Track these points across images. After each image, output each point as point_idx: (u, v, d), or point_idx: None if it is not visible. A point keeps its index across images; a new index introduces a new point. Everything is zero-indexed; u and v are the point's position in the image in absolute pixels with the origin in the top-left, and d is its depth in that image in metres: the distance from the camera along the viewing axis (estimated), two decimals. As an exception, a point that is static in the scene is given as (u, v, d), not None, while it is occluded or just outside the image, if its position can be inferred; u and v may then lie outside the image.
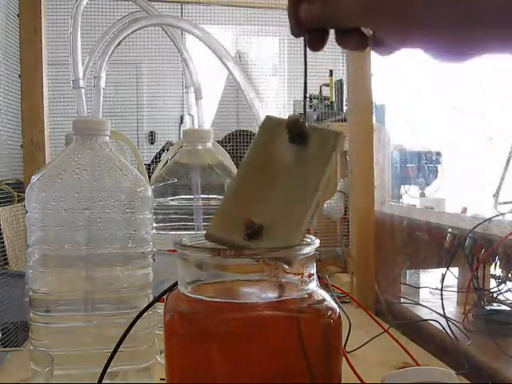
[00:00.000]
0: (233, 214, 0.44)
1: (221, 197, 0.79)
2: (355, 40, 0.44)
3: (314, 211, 0.42)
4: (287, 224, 0.42)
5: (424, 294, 1.13)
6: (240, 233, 0.43)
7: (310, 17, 0.44)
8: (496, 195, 1.09)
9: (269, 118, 0.48)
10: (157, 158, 2.24)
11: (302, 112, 0.48)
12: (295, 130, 0.45)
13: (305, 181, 0.43)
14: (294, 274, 0.44)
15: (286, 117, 0.46)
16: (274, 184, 0.45)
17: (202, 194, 0.80)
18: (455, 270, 1.02)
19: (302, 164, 0.45)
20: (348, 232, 1.24)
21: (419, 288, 1.16)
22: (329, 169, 0.44)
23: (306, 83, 0.49)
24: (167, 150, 1.93)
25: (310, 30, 0.46)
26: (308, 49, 0.47)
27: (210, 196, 0.80)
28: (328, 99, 2.15)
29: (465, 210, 1.16)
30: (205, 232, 0.45)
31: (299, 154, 0.45)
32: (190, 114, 0.87)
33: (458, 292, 1.03)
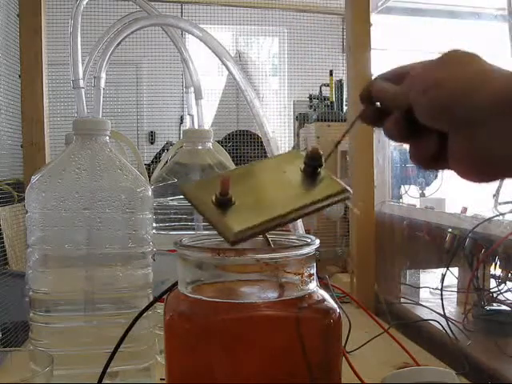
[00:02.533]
0: (216, 182, 0.43)
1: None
2: (430, 145, 0.41)
3: (271, 225, 0.42)
4: (241, 217, 0.41)
5: (424, 294, 1.13)
6: (211, 195, 0.42)
7: (383, 94, 0.43)
8: (496, 195, 1.09)
9: (294, 151, 0.50)
10: (157, 158, 2.24)
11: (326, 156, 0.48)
12: (313, 162, 0.45)
13: (290, 197, 0.44)
14: (294, 273, 0.44)
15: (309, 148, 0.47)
16: (265, 185, 0.46)
17: (202, 193, 0.80)
18: (455, 270, 1.01)
19: (299, 187, 0.45)
20: (348, 232, 1.24)
21: (419, 288, 1.16)
22: (317, 205, 0.43)
23: (338, 142, 0.50)
24: (167, 150, 1.93)
25: (371, 103, 0.45)
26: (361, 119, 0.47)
27: (210, 196, 0.80)
28: (328, 99, 2.15)
29: (465, 209, 1.16)
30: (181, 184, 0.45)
31: (303, 181, 0.45)
32: (190, 114, 0.87)
33: (458, 292, 1.03)
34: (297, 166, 0.46)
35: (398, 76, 0.43)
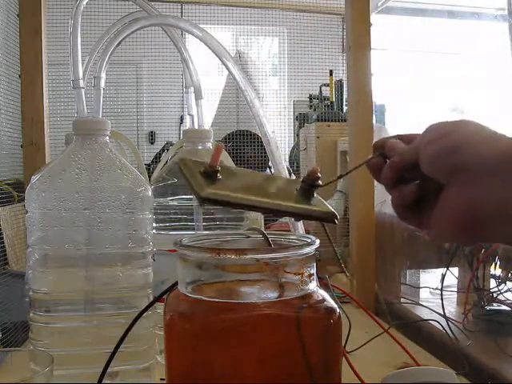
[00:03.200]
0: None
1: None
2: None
3: (245, 203, 0.43)
4: (220, 187, 0.43)
5: (424, 294, 1.13)
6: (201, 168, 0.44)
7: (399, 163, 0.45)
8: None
9: (296, 179, 0.52)
10: (157, 158, 2.24)
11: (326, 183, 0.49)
12: (311, 181, 0.46)
13: (276, 195, 0.46)
14: (294, 273, 0.44)
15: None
16: (256, 180, 0.48)
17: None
18: (455, 270, 1.02)
19: (289, 193, 0.47)
20: (348, 232, 1.24)
21: (419, 288, 1.16)
22: (300, 212, 0.45)
23: (340, 176, 0.52)
24: (167, 150, 1.93)
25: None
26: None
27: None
28: (328, 99, 2.15)
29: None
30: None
31: (296, 193, 0.47)
32: (190, 114, 0.87)
33: (458, 292, 1.03)
34: (294, 186, 0.48)
35: (411, 139, 0.45)
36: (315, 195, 0.47)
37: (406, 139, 0.46)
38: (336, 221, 0.45)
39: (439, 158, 0.40)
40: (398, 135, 0.48)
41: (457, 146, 0.39)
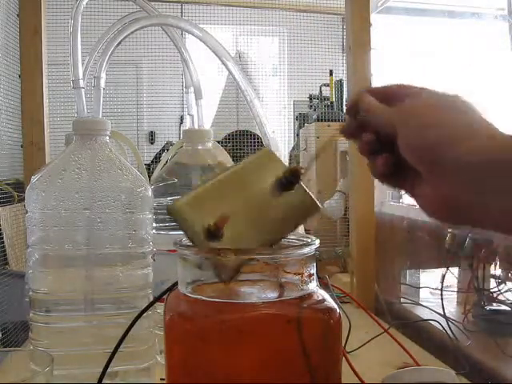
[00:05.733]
0: (207, 205, 0.45)
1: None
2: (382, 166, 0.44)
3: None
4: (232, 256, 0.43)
5: (424, 294, 1.13)
6: (203, 222, 0.43)
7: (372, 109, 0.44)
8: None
9: (266, 152, 0.50)
10: (157, 158, 2.23)
11: (305, 166, 0.49)
12: (292, 178, 0.47)
13: (274, 221, 0.46)
14: (294, 273, 0.44)
15: (286, 153, 0.48)
16: (249, 202, 0.46)
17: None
18: (455, 270, 1.01)
19: (276, 209, 0.47)
20: (348, 232, 1.24)
21: (419, 288, 1.16)
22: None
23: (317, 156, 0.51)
24: (167, 150, 1.92)
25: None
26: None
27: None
28: (328, 99, 2.15)
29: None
30: (171, 204, 0.45)
31: (280, 195, 0.47)
32: (190, 114, 0.87)
33: (457, 292, 1.03)
34: (273, 172, 0.47)
35: (386, 94, 0.45)
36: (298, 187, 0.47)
37: (382, 95, 0.45)
38: (319, 210, 0.46)
39: (418, 151, 0.40)
40: (368, 89, 0.46)
41: (439, 142, 0.39)
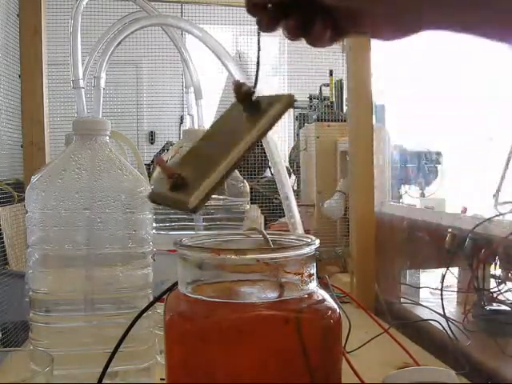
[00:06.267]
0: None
1: (221, 196, 0.79)
2: (318, 28, 0.43)
3: (220, 177, 0.42)
4: (195, 183, 0.42)
5: (424, 294, 1.13)
6: (167, 185, 0.43)
7: None
8: (496, 195, 1.09)
9: (234, 104, 0.47)
10: (157, 158, 2.23)
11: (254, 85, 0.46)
12: (247, 101, 0.45)
13: (230, 140, 0.43)
14: (294, 273, 0.44)
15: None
16: (213, 144, 0.46)
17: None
18: (455, 270, 1.01)
19: (243, 124, 0.44)
20: (348, 232, 1.24)
21: (419, 288, 1.16)
22: (261, 127, 0.43)
23: (259, 49, 0.49)
24: (167, 150, 1.92)
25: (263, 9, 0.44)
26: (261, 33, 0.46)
27: (210, 196, 0.80)
28: (328, 99, 2.15)
29: (465, 209, 1.16)
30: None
31: (247, 117, 0.45)
32: (190, 114, 0.87)
33: (457, 292, 1.03)
34: (240, 110, 0.45)
35: None
36: (259, 99, 0.45)
37: None
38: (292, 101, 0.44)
39: None
40: None
41: None
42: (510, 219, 0.87)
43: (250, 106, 0.45)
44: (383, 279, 1.17)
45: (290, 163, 2.11)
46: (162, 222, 0.81)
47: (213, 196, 0.69)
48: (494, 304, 0.91)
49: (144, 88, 3.00)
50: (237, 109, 0.46)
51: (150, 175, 0.89)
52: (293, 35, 0.45)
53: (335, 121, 1.74)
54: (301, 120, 2.09)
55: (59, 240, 0.63)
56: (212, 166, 0.42)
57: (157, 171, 0.88)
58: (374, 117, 1.18)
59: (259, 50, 0.48)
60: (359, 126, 1.16)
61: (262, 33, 0.46)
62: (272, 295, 0.44)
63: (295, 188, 1.83)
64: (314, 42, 0.45)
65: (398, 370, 0.72)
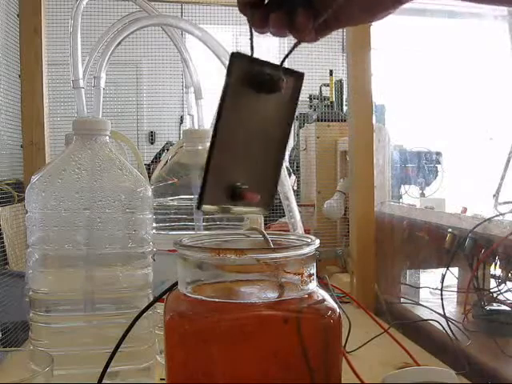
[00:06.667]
0: (218, 183, 0.43)
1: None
2: (302, 18, 0.44)
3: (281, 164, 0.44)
4: (261, 185, 0.43)
5: (424, 294, 1.13)
6: (226, 197, 0.43)
7: None
8: (496, 195, 1.09)
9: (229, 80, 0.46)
10: (157, 158, 2.24)
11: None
12: (258, 81, 0.45)
13: (274, 135, 0.45)
14: (294, 273, 0.44)
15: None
16: (250, 141, 0.45)
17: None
18: (455, 270, 1.01)
19: (272, 111, 0.45)
20: (348, 232, 1.24)
21: (419, 288, 1.16)
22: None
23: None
24: (167, 150, 1.93)
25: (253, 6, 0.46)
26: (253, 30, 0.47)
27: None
28: (328, 99, 2.15)
29: (465, 209, 1.16)
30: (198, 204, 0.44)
31: (270, 101, 0.45)
32: (190, 114, 0.87)
33: (458, 292, 1.03)
34: (251, 92, 0.45)
35: None
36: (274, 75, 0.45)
37: None
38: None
39: None
40: None
41: None
42: (510, 219, 0.87)
43: (264, 86, 0.45)
44: (383, 279, 1.17)
45: (289, 163, 2.11)
46: (162, 221, 0.81)
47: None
48: (494, 304, 0.91)
49: (144, 88, 2.99)
50: (242, 94, 0.45)
51: (150, 175, 0.89)
52: (277, 28, 0.46)
53: (335, 121, 1.74)
54: (301, 120, 2.09)
55: (59, 240, 0.63)
56: (268, 162, 0.44)
57: (157, 171, 0.88)
58: (373, 117, 1.18)
59: (252, 49, 0.48)
60: (359, 126, 1.16)
61: (258, 34, 0.47)
62: (272, 295, 0.44)
63: (295, 188, 1.83)
64: (299, 33, 0.45)
65: (397, 369, 0.72)
